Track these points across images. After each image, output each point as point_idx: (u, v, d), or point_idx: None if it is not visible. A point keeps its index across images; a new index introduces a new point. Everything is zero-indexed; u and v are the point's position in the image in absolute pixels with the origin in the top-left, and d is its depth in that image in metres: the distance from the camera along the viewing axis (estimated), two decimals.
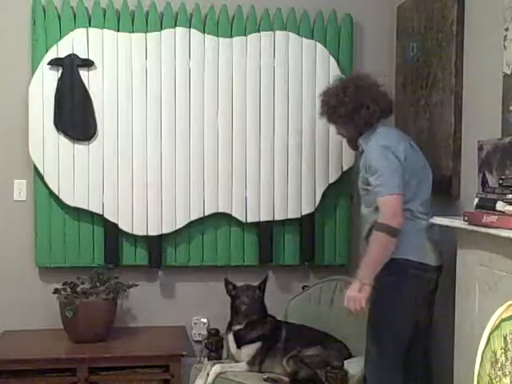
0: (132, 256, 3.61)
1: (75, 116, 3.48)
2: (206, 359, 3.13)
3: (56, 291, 3.38)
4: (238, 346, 3.06)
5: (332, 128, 3.47)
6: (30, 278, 3.61)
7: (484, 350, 2.10)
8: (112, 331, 3.45)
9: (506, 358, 1.97)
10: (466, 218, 2.26)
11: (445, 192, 2.89)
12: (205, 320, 3.71)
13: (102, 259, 3.57)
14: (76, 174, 3.51)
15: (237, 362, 3.03)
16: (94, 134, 3.50)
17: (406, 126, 3.37)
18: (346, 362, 2.71)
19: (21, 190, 3.59)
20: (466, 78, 2.80)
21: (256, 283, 3.19)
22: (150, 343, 3.40)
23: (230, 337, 3.11)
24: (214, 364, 2.95)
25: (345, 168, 3.66)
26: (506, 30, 2.43)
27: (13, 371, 3.15)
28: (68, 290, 3.38)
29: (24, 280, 3.60)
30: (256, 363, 2.99)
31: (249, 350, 3.02)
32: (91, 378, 3.17)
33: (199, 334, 3.68)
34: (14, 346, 3.34)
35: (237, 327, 3.08)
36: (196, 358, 3.49)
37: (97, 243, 3.58)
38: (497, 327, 2.04)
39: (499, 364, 2.01)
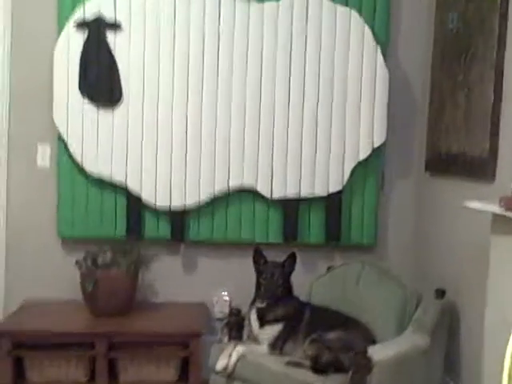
0: (154, 229, 3.54)
1: (100, 81, 3.39)
2: (227, 339, 3.06)
3: (77, 263, 3.33)
4: (261, 326, 2.98)
5: (364, 101, 3.34)
6: (52, 248, 3.57)
7: None
8: (133, 306, 3.40)
9: None
10: (502, 203, 2.12)
11: (479, 174, 2.74)
12: (227, 298, 3.64)
13: (124, 231, 3.51)
14: (100, 141, 3.43)
15: (257, 342, 2.95)
16: (120, 99, 3.41)
17: (442, 102, 3.21)
18: (370, 347, 2.60)
19: (44, 154, 3.53)
20: (508, 52, 2.62)
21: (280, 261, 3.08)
22: (171, 319, 3.34)
23: (253, 314, 3.02)
24: (236, 345, 2.88)
25: (376, 144, 3.51)
26: None
27: (30, 343, 3.12)
28: (89, 261, 3.33)
29: (46, 250, 3.57)
30: (277, 346, 2.90)
31: (271, 331, 2.94)
32: (110, 353, 3.12)
33: (221, 312, 3.61)
34: (34, 318, 3.31)
35: (260, 305, 2.99)
36: (216, 336, 3.43)
37: (119, 215, 3.51)
38: None
39: None
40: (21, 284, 3.57)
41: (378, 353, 2.58)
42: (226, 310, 3.48)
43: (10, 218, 3.57)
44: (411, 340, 2.77)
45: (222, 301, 3.64)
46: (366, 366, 2.51)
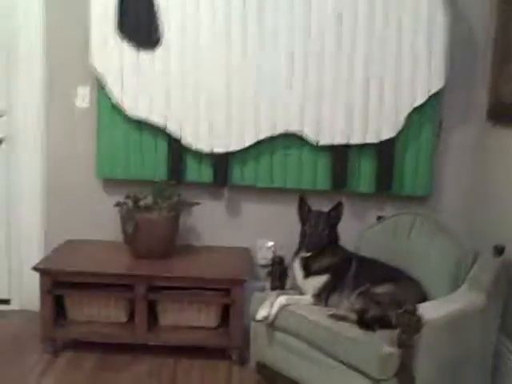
0: (196, 173, 3.43)
1: (140, 21, 3.23)
2: (269, 289, 2.95)
3: (118, 204, 3.25)
4: (305, 276, 2.85)
5: (420, 45, 3.12)
6: (93, 188, 3.52)
7: None
8: (174, 249, 3.32)
9: None
10: None
11: None
12: (271, 244, 3.53)
13: (165, 174, 3.41)
14: (139, 83, 3.29)
15: (302, 293, 2.83)
16: (159, 40, 3.25)
17: (508, 47, 2.94)
18: (420, 305, 2.44)
19: (84, 97, 3.45)
20: None
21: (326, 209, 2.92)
22: (212, 265, 3.24)
23: (297, 264, 2.90)
24: (278, 295, 2.77)
25: (433, 90, 3.26)
26: None
27: (70, 283, 3.09)
28: (130, 204, 3.24)
29: (87, 191, 3.52)
30: (322, 297, 2.78)
31: (316, 282, 2.81)
32: (149, 295, 3.06)
33: (264, 259, 3.51)
34: (74, 258, 3.27)
35: (304, 254, 2.86)
36: (259, 283, 3.34)
37: (160, 158, 3.41)
38: None
39: None
40: (62, 225, 3.54)
41: (428, 311, 2.42)
42: (270, 257, 3.38)
43: (51, 160, 3.52)
44: (466, 298, 2.60)
45: (265, 247, 3.53)
46: (415, 324, 2.36)
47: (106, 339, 3.10)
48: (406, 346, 2.35)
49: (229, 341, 3.07)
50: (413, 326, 2.34)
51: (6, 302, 3.64)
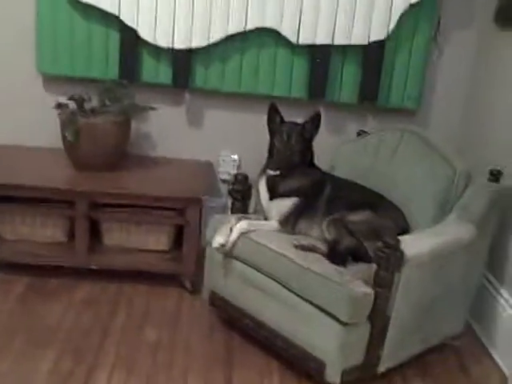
0: (153, 72, 2.97)
1: None
2: (229, 211, 2.56)
3: (58, 106, 2.78)
4: (271, 198, 2.46)
5: None
6: (32, 86, 3.02)
7: None
8: (123, 161, 2.89)
9: None
10: None
11: None
12: (235, 157, 3.11)
13: (117, 73, 2.92)
14: None
15: (266, 218, 2.44)
16: None
17: None
18: (402, 238, 2.07)
19: None
20: None
21: (302, 121, 2.49)
22: (166, 180, 2.83)
23: (262, 184, 2.50)
24: (239, 219, 2.37)
25: None
26: None
27: (3, 197, 2.65)
28: (71, 106, 2.77)
29: (25, 88, 3.03)
30: (289, 223, 2.40)
31: (283, 205, 2.41)
32: (91, 213, 2.65)
33: (226, 173, 3.10)
34: (7, 168, 2.82)
35: (272, 173, 2.45)
36: (220, 199, 2.95)
37: (111, 52, 2.93)
38: None
39: None
40: None
41: (411, 245, 2.05)
42: (233, 173, 2.97)
43: None
44: (453, 230, 2.25)
45: (228, 161, 3.11)
46: (397, 261, 2.00)
47: (40, 261, 2.71)
48: (384, 285, 1.99)
49: (181, 266, 2.70)
50: (393, 262, 1.98)
51: None
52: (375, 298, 2.00)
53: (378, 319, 2.05)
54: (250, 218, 2.42)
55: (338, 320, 2.01)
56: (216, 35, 2.87)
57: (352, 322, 2.00)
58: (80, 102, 2.80)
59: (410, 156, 2.53)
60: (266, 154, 2.51)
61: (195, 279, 2.69)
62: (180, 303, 2.66)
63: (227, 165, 3.12)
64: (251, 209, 2.56)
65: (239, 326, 2.41)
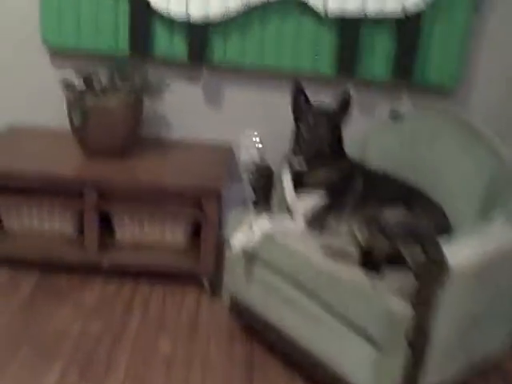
0: (167, 46, 2.74)
1: None
2: (251, 203, 2.34)
3: (65, 86, 2.55)
4: (295, 191, 2.23)
5: None
6: (38, 60, 2.82)
7: None
8: (135, 145, 2.68)
9: None
10: None
11: None
12: (257, 140, 2.87)
13: (127, 46, 2.69)
14: None
15: (291, 213, 2.22)
16: None
17: None
18: (445, 246, 1.84)
19: None
20: None
21: (330, 101, 2.24)
22: (182, 167, 2.62)
23: (287, 175, 2.27)
24: (261, 216, 2.15)
25: None
26: None
27: (4, 186, 2.46)
28: (78, 86, 2.55)
29: (30, 63, 2.82)
30: (317, 222, 2.18)
31: (309, 200, 2.19)
32: (102, 205, 2.45)
33: (248, 159, 2.86)
34: (9, 154, 2.60)
35: (299, 168, 2.22)
36: (241, 188, 2.74)
37: (121, 23, 2.70)
38: None
39: None
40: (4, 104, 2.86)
41: (457, 256, 1.82)
42: (255, 157, 2.75)
43: None
44: (502, 234, 2.01)
45: (250, 144, 2.87)
46: (441, 275, 1.77)
47: (48, 257, 2.53)
48: (425, 303, 1.78)
49: (198, 265, 2.51)
50: (437, 278, 1.76)
51: None
52: (416, 318, 1.79)
53: (419, 341, 1.84)
54: (272, 215, 2.20)
55: (372, 341, 1.81)
56: (235, 5, 2.62)
57: (388, 343, 1.79)
58: (89, 81, 2.58)
59: (452, 145, 2.27)
60: (290, 137, 2.27)
61: (214, 279, 2.50)
62: (198, 307, 2.46)
63: (248, 149, 2.88)
64: (274, 200, 2.34)
65: (261, 337, 2.23)
